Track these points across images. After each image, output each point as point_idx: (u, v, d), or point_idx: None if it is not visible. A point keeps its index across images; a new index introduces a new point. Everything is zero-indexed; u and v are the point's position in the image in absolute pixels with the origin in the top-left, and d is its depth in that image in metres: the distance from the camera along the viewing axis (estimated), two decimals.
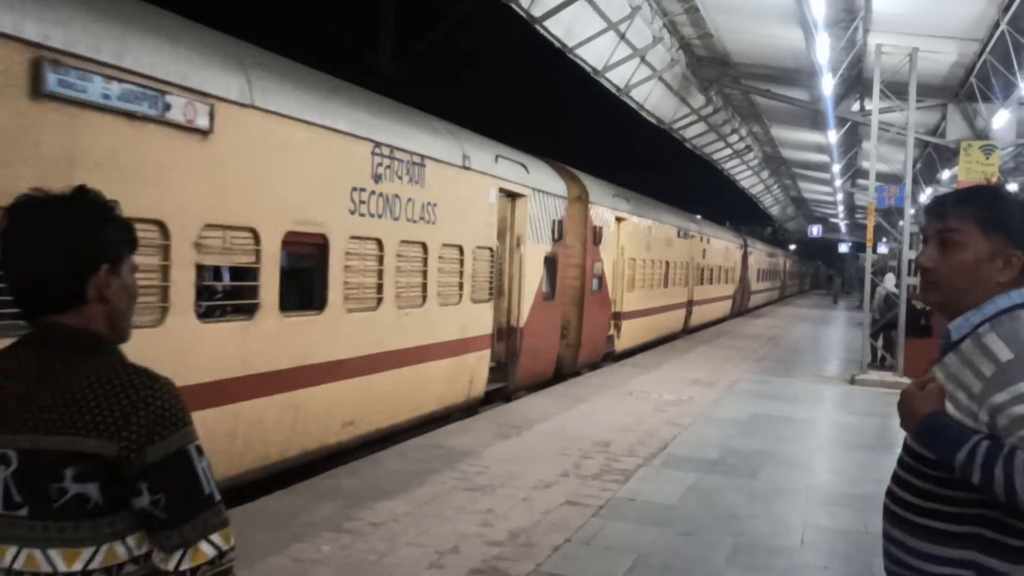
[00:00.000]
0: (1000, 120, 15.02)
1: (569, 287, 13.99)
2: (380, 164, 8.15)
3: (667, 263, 20.62)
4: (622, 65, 16.33)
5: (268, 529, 5.62)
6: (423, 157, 8.96)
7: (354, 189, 7.74)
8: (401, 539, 5.56)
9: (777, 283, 49.29)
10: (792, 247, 75.27)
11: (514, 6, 12.68)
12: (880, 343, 16.02)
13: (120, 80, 5.18)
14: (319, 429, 7.41)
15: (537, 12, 13.18)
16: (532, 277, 12.19)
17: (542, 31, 13.64)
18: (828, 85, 15.01)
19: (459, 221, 9.87)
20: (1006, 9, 11.84)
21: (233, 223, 6.25)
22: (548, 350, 13.11)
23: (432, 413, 9.58)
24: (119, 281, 1.74)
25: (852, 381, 14.42)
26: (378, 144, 8.11)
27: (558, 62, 15.15)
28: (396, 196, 8.45)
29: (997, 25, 12.40)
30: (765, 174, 35.94)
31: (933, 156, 23.04)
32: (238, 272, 6.54)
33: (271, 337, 6.66)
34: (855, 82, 16.88)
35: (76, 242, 1.68)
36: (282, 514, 5.96)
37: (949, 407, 1.96)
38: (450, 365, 9.88)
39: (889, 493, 2.17)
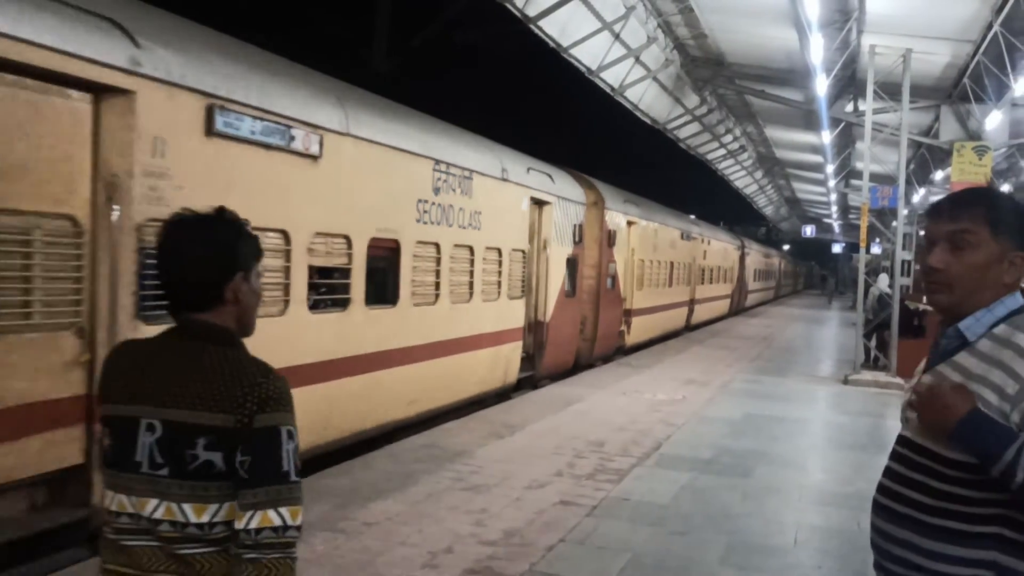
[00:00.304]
0: (993, 121, 15.05)
1: (587, 286, 15.04)
2: (439, 179, 9.47)
3: (671, 264, 21.78)
4: (616, 65, 16.34)
5: None
6: (471, 171, 10.22)
7: (419, 200, 9.07)
8: (395, 539, 5.56)
9: (772, 283, 51.07)
10: (786, 247, 75.42)
11: (509, 6, 12.67)
12: (873, 343, 16.05)
13: (262, 119, 6.53)
14: (391, 406, 8.67)
15: (532, 12, 13.17)
16: (556, 276, 13.41)
17: (536, 31, 13.64)
18: (822, 86, 15.04)
19: (498, 226, 11.11)
20: (999, 10, 11.87)
21: (334, 231, 7.55)
22: (569, 343, 14.29)
23: (474, 396, 10.75)
24: (249, 286, 2.11)
25: (845, 381, 14.45)
26: (438, 161, 9.43)
27: (553, 61, 15.17)
28: (451, 206, 9.76)
29: (990, 26, 12.43)
30: (759, 174, 36.00)
31: (926, 157, 23.11)
32: (337, 272, 7.75)
33: (359, 326, 7.99)
34: (849, 83, 16.91)
35: (219, 254, 2.06)
36: None
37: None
38: (490, 354, 11.11)
39: (888, 492, 2.14)
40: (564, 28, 14.32)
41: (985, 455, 1.91)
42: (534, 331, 12.80)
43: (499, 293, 11.27)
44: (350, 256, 7.76)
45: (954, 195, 2.21)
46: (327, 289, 7.66)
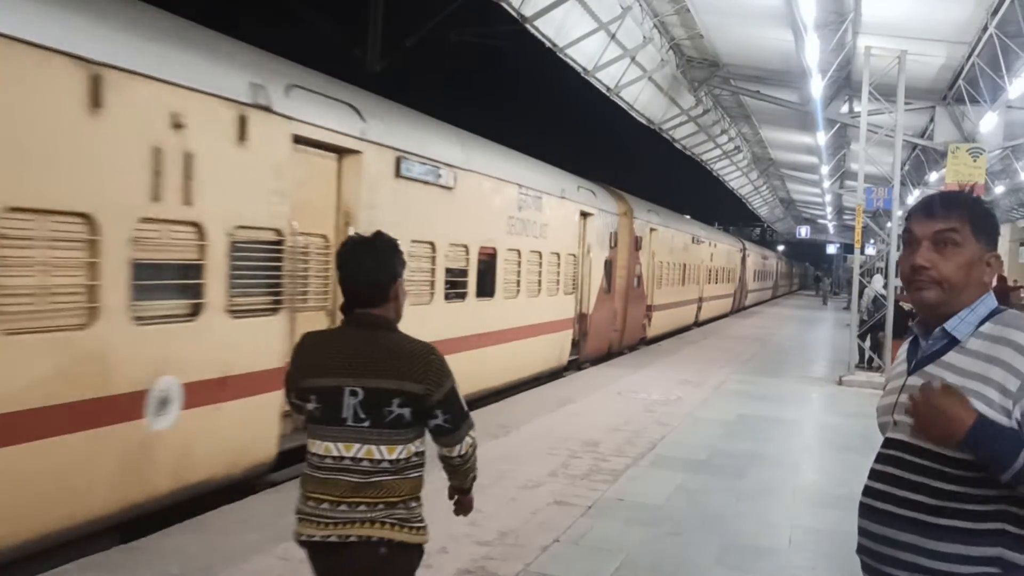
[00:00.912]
0: (988, 123, 15.09)
1: (618, 284, 17.39)
2: (521, 199, 12.01)
3: (684, 265, 24.29)
4: (612, 65, 16.34)
5: (256, 528, 5.60)
6: (541, 192, 12.76)
7: (508, 217, 11.64)
8: None
9: (770, 283, 53.45)
10: (780, 248, 75.53)
11: (505, 5, 12.68)
12: (867, 344, 16.08)
13: (423, 163, 9.11)
14: (489, 376, 10.95)
15: (528, 12, 13.17)
16: (596, 276, 15.91)
17: (532, 30, 13.64)
18: (817, 87, 15.06)
19: (558, 235, 13.60)
20: (994, 13, 11.90)
21: (459, 242, 10.14)
22: (606, 332, 16.81)
23: (541, 372, 13.30)
24: (401, 288, 2.92)
25: (839, 382, 14.48)
26: (521, 186, 12.01)
27: (549, 60, 15.18)
28: (527, 220, 12.26)
29: (985, 28, 12.47)
30: (754, 175, 36.04)
31: (921, 158, 23.17)
32: (459, 272, 10.26)
33: (472, 312, 10.57)
34: (844, 84, 16.94)
35: (384, 265, 2.88)
36: (270, 513, 5.93)
37: (979, 405, 1.96)
38: (552, 338, 13.68)
39: (882, 495, 2.14)
40: (560, 28, 14.33)
41: (996, 463, 1.92)
42: (579, 322, 15.14)
43: (558, 289, 13.83)
44: (467, 260, 10.39)
45: (936, 196, 2.25)
46: (451, 284, 10.07)
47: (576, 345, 14.97)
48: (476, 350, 10.42)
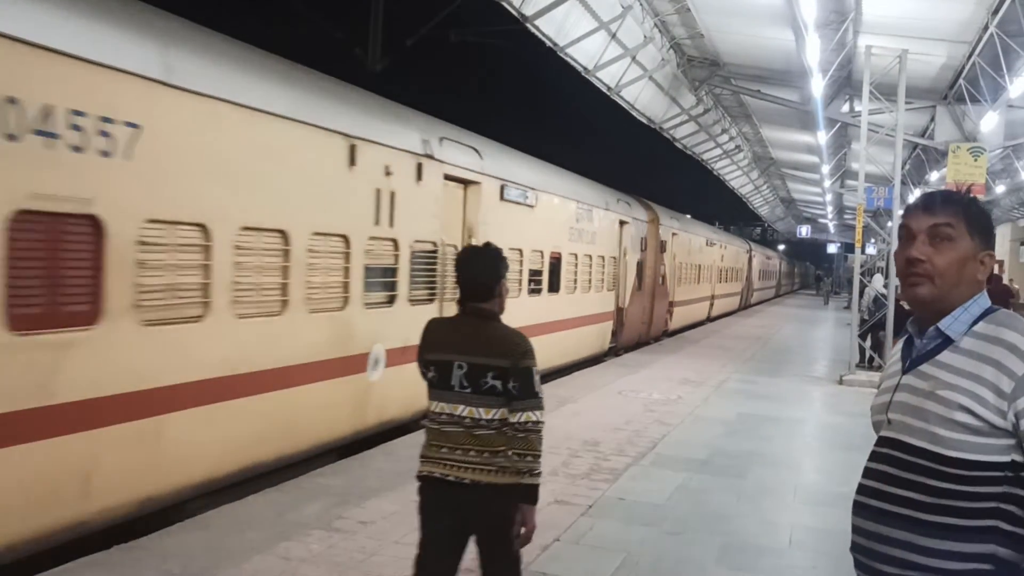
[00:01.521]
0: (988, 123, 15.09)
1: (646, 283, 19.78)
2: (579, 212, 14.74)
3: (699, 266, 26.77)
4: (613, 64, 16.33)
5: (257, 528, 5.60)
6: (591, 205, 15.42)
7: (570, 227, 14.30)
8: (390, 538, 5.55)
9: (773, 282, 56.14)
10: (781, 247, 75.50)
11: (505, 4, 12.67)
12: (868, 343, 16.08)
13: (517, 188, 11.66)
14: (556, 356, 12.95)
15: (528, 11, 13.16)
16: (630, 276, 18.44)
17: (533, 30, 13.63)
18: (818, 86, 15.05)
19: (603, 241, 16.23)
20: (995, 12, 11.90)
21: (537, 248, 12.68)
22: (638, 324, 19.36)
23: (589, 356, 15.76)
24: (504, 287, 3.68)
25: (840, 381, 14.48)
26: (579, 201, 14.79)
27: (549, 59, 15.18)
28: (582, 229, 14.91)
29: (986, 28, 12.46)
30: (755, 174, 36.02)
31: (922, 158, 23.16)
32: (537, 272, 12.78)
33: (546, 304, 13.02)
34: (845, 83, 16.93)
35: (495, 267, 3.64)
36: (270, 513, 5.94)
37: (975, 405, 1.98)
38: (598, 327, 16.32)
39: (875, 493, 2.14)
40: (560, 27, 14.32)
41: None
42: (617, 314, 17.60)
43: (603, 286, 16.39)
44: (543, 263, 12.94)
45: (932, 193, 2.27)
46: (532, 282, 12.55)
47: (615, 334, 17.52)
48: (549, 335, 12.61)
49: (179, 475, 5.93)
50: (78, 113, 4.97)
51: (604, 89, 17.22)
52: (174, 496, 5.94)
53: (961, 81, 15.19)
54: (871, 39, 13.87)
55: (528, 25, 13.42)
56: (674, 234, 22.39)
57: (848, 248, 51.37)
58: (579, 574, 5.20)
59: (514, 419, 3.44)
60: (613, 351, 17.31)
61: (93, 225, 5.13)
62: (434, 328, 3.77)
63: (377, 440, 8.28)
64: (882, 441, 2.20)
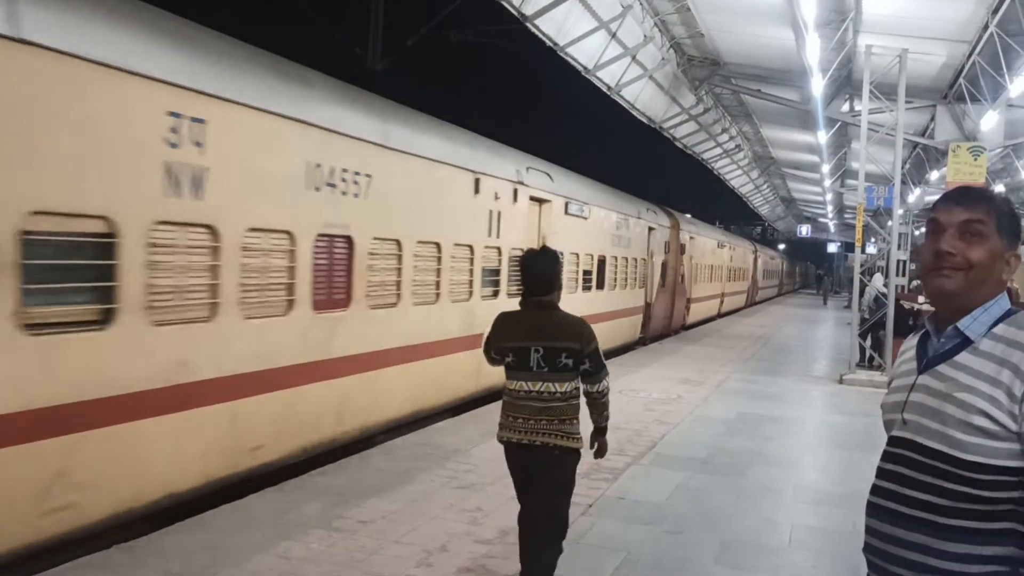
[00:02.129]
0: (988, 122, 15.07)
1: (669, 282, 22.21)
2: (618, 221, 17.41)
3: (712, 266, 29.41)
4: (613, 64, 16.33)
5: (257, 527, 5.60)
6: (627, 215, 18.08)
7: (612, 234, 16.91)
8: (390, 537, 5.56)
9: (776, 281, 58.72)
10: (782, 247, 75.48)
11: (505, 4, 12.66)
12: (868, 343, 16.07)
13: (577, 203, 14.26)
14: (602, 341, 15.91)
15: (528, 10, 13.16)
16: (656, 275, 20.98)
17: (533, 29, 13.62)
18: (818, 86, 15.05)
19: (635, 245, 18.83)
20: (995, 11, 11.89)
21: (588, 252, 15.18)
22: (663, 318, 21.96)
23: (624, 343, 18.24)
24: (560, 282, 4.53)
25: (840, 381, 14.48)
26: (619, 212, 17.43)
27: (549, 59, 15.19)
28: (621, 235, 17.52)
29: (986, 27, 12.44)
30: (755, 174, 36.00)
31: (922, 157, 23.14)
32: (589, 271, 15.32)
33: (595, 298, 15.54)
34: (845, 83, 16.92)
35: (554, 265, 4.47)
36: (270, 512, 5.94)
37: (992, 409, 1.96)
38: (632, 319, 18.91)
39: (890, 495, 2.12)
40: (561, 27, 14.31)
41: None
42: (646, 309, 20.10)
43: (636, 285, 18.95)
44: (593, 264, 15.53)
45: (964, 188, 2.23)
46: (585, 280, 14.99)
47: (644, 326, 20.07)
48: (596, 324, 14.58)
49: (382, 413, 8.59)
50: (344, 170, 7.64)
51: (604, 89, 17.22)
52: (380, 427, 8.59)
53: (961, 80, 15.17)
54: (871, 38, 13.86)
55: (528, 25, 13.42)
56: (691, 238, 24.83)
57: (848, 247, 51.34)
58: (579, 573, 5.20)
59: (593, 389, 4.51)
60: (642, 340, 19.95)
61: (348, 242, 7.77)
62: (505, 321, 4.58)
63: (485, 401, 10.42)
64: (896, 441, 2.17)
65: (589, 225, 15.17)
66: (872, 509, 2.18)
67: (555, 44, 14.48)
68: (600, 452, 4.79)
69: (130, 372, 5.41)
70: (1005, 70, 13.25)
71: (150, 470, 5.64)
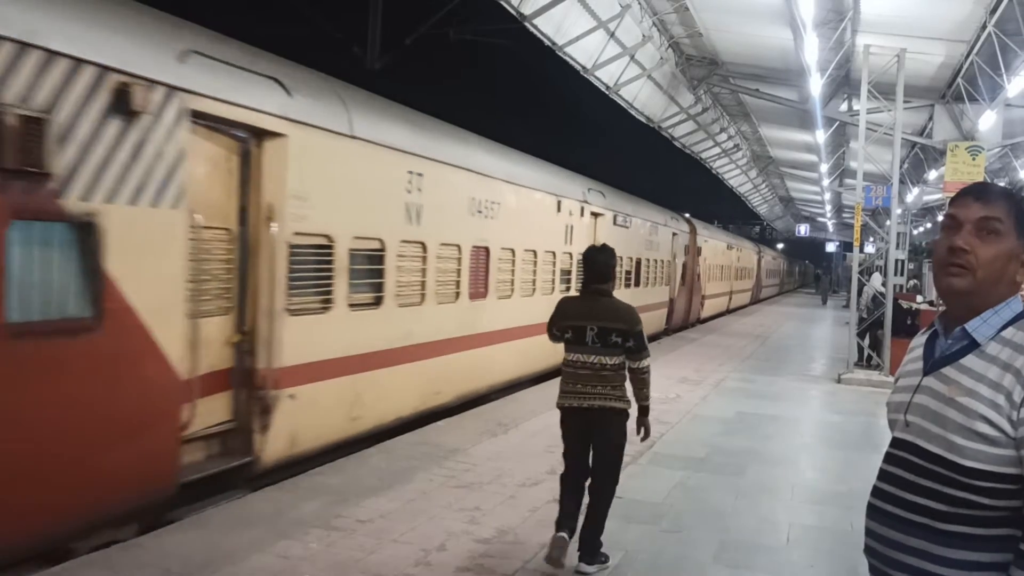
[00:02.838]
0: (986, 122, 15.09)
1: (687, 280, 25.24)
2: (651, 228, 20.34)
3: (722, 266, 32.34)
4: (611, 63, 16.34)
5: (255, 526, 5.61)
6: (657, 224, 21.14)
7: (646, 240, 19.88)
8: (388, 536, 5.57)
9: (778, 280, 61.76)
10: (780, 246, 75.49)
11: (504, 3, 12.67)
12: (867, 342, 16.09)
13: (621, 215, 17.52)
14: (649, 327, 15.95)
15: (527, 10, 13.17)
16: (677, 274, 23.88)
17: (532, 29, 13.63)
18: (816, 85, 15.06)
19: (663, 249, 21.91)
20: (993, 11, 11.90)
21: (630, 256, 18.11)
22: (683, 312, 24.90)
23: (653, 333, 20.32)
24: (614, 274, 5.64)
25: (838, 380, 14.49)
26: (651, 222, 20.37)
27: (548, 58, 15.20)
28: (652, 240, 20.50)
29: (984, 27, 12.46)
30: (753, 173, 36.03)
31: (920, 157, 23.16)
32: (631, 272, 18.17)
33: (631, 294, 16.88)
34: (843, 82, 16.94)
35: (611, 259, 5.47)
36: (269, 511, 5.95)
37: (993, 414, 1.92)
38: (659, 312, 21.70)
39: (890, 498, 2.09)
40: (559, 26, 14.32)
41: None
42: (669, 304, 22.99)
43: (662, 282, 21.93)
44: (633, 265, 18.40)
45: (983, 184, 2.18)
46: (627, 279, 17.69)
47: (668, 318, 22.91)
48: (644, 312, 16.67)
49: (500, 376, 11.76)
50: (486, 200, 10.80)
51: (603, 88, 17.23)
52: (499, 385, 11.74)
53: (959, 80, 15.19)
54: (869, 38, 13.87)
55: (527, 24, 13.43)
56: (706, 241, 28.03)
57: (847, 247, 51.33)
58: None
59: (636, 365, 5.32)
60: (666, 331, 22.73)
61: (487, 252, 10.92)
62: (567, 304, 5.58)
63: (550, 376, 11.90)
64: (898, 443, 2.14)
65: (630, 233, 18.23)
66: (872, 511, 2.15)
67: (553, 43, 14.49)
68: (646, 434, 5.50)
69: (388, 336, 8.57)
70: (1003, 70, 13.27)
71: (391, 400, 8.79)
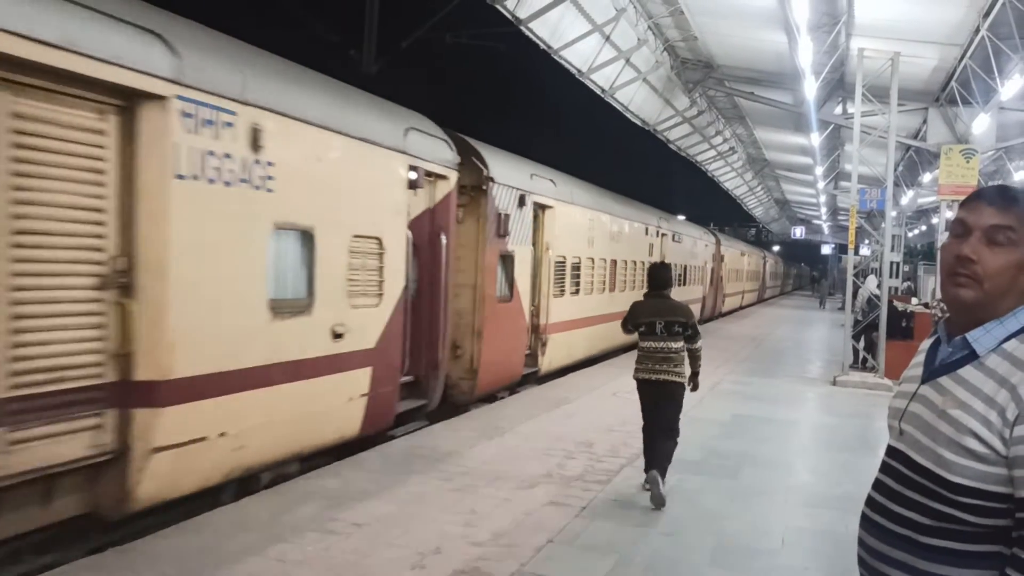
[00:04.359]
0: (980, 125, 15.13)
1: (714, 281, 31.30)
2: (692, 242, 26.87)
3: (736, 270, 38.41)
4: (607, 67, 16.38)
5: (251, 530, 5.61)
6: (695, 238, 27.67)
7: (689, 251, 26.19)
8: (384, 540, 5.57)
9: (779, 281, 67.06)
10: (776, 248, 75.57)
11: (500, 7, 12.69)
12: (861, 345, 16.12)
13: (676, 235, 24.08)
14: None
15: (523, 14, 13.19)
16: (707, 277, 29.78)
17: (528, 32, 13.66)
18: (811, 88, 15.11)
19: (698, 256, 27.65)
20: (986, 15, 11.95)
21: (680, 263, 23.92)
22: (711, 306, 30.88)
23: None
24: (673, 279, 8.81)
25: (834, 382, 14.52)
26: (693, 237, 27.39)
27: (544, 61, 15.22)
28: (691, 251, 26.44)
29: (977, 30, 12.50)
30: (749, 176, 36.13)
31: (915, 159, 23.23)
32: (680, 275, 23.85)
33: (678, 291, 16.03)
34: (838, 85, 16.99)
35: (669, 272, 7.63)
36: (265, 515, 5.95)
37: (983, 430, 1.84)
38: (697, 305, 25.69)
39: (879, 508, 2.04)
40: (555, 30, 14.36)
41: None
42: (703, 300, 28.52)
43: (699, 282, 27.83)
44: (682, 270, 23.97)
45: (995, 188, 2.05)
46: (679, 280, 21.70)
47: (701, 311, 27.54)
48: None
49: (597, 349, 16.14)
50: (610, 229, 17.11)
51: (598, 91, 17.27)
52: (594, 357, 16.00)
53: (953, 83, 15.25)
54: (863, 41, 13.92)
55: (523, 28, 13.45)
56: (727, 250, 34.64)
57: (842, 249, 51.40)
58: (573, 575, 5.22)
59: (693, 347, 7.18)
60: (701, 321, 24.72)
61: (613, 263, 17.34)
62: (637, 306, 7.30)
63: (602, 359, 16.33)
64: (891, 452, 2.08)
65: (681, 246, 24.39)
66: (863, 521, 2.10)
67: (549, 47, 14.52)
68: (695, 387, 7.39)
69: (584, 309, 15.35)
70: (996, 73, 13.32)
71: (584, 347, 15.72)
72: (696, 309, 25.50)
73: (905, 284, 29.66)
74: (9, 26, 4.49)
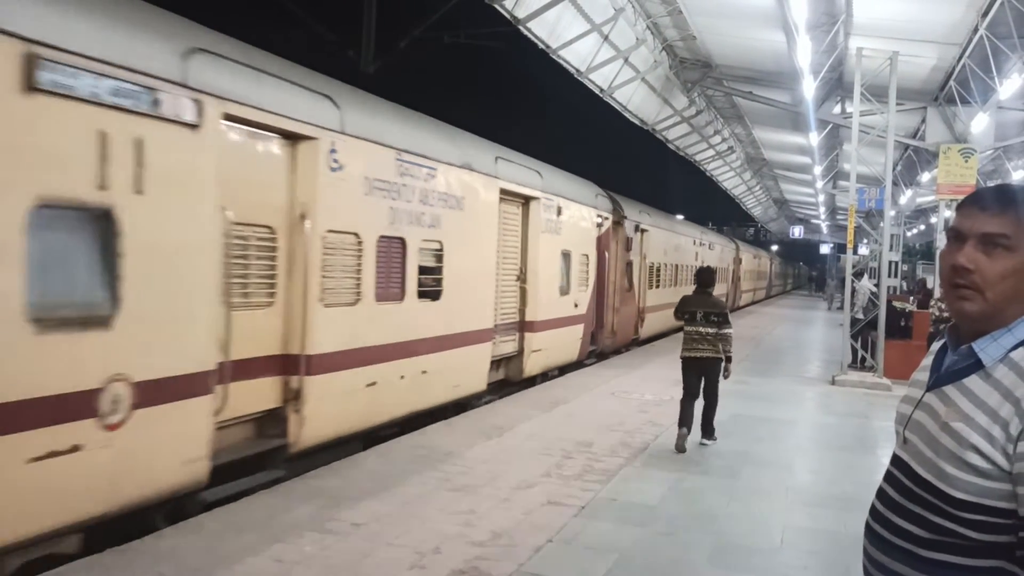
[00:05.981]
0: (979, 124, 15.15)
1: (734, 280, 37.31)
2: (718, 247, 33.73)
3: (748, 270, 43.36)
4: (606, 66, 16.37)
5: (250, 530, 5.61)
6: (720, 245, 34.91)
7: (717, 256, 32.07)
8: (383, 539, 5.57)
9: (782, 280, 72.83)
10: (774, 248, 75.66)
11: (498, 7, 12.69)
12: (859, 344, 16.12)
13: (706, 242, 30.75)
14: None
15: (521, 13, 13.19)
16: (729, 275, 35.57)
17: (526, 32, 13.65)
18: (809, 88, 15.10)
19: (725, 260, 34.72)
20: (985, 14, 11.96)
21: (687, 264, 27.47)
22: (732, 300, 35.43)
23: None
24: (714, 280, 10.04)
25: (832, 382, 14.53)
26: (719, 244, 34.43)
27: (542, 61, 15.22)
28: (721, 256, 33.52)
29: (976, 30, 12.52)
30: (747, 175, 36.13)
31: (913, 159, 23.24)
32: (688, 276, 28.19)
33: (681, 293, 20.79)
34: (836, 85, 17.00)
35: (713, 275, 9.77)
36: (263, 515, 5.95)
37: (985, 445, 1.77)
38: (722, 299, 29.07)
39: (882, 519, 1.99)
40: (553, 29, 14.35)
41: None
42: (726, 296, 32.36)
43: (722, 280, 30.25)
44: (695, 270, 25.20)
45: (990, 191, 1.96)
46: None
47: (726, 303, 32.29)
48: None
49: (655, 330, 21.70)
50: (667, 242, 23.18)
51: (597, 91, 17.26)
52: (650, 337, 21.27)
53: (951, 83, 15.26)
54: (862, 41, 13.93)
55: (521, 27, 13.45)
56: (743, 253, 40.94)
57: (841, 248, 51.43)
58: (572, 575, 5.22)
59: (723, 332, 8.83)
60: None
61: (676, 266, 24.72)
62: (687, 298, 9.22)
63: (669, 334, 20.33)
64: (895, 460, 2.03)
65: (713, 252, 29.75)
66: (867, 530, 2.05)
67: (548, 47, 14.51)
68: (728, 375, 9.02)
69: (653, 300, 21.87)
70: (995, 72, 13.33)
71: (644, 326, 21.26)
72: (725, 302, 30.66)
73: (902, 282, 29.67)
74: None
